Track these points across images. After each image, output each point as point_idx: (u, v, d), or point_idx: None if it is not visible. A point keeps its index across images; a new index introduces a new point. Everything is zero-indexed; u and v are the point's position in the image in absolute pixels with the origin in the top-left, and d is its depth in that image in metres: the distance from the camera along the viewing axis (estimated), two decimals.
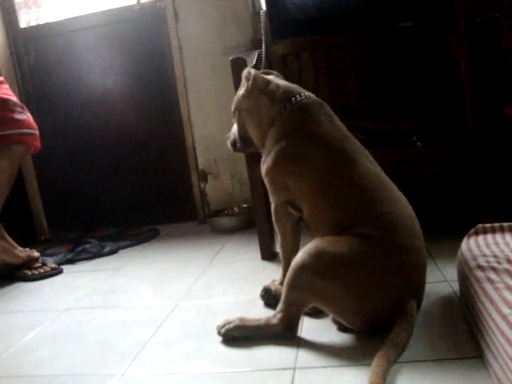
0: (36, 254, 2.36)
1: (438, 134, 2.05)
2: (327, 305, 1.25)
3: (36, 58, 3.05)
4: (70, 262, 2.45)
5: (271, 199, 1.51)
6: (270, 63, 2.41)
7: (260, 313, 1.50)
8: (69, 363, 1.38)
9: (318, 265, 1.20)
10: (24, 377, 1.34)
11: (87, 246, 2.56)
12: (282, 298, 1.29)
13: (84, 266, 2.40)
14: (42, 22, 3.05)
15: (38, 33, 3.02)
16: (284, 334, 1.30)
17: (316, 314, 1.40)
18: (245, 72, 1.53)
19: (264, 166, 1.50)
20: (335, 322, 1.32)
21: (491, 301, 1.01)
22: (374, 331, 1.19)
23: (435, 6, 2.25)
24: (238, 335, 1.34)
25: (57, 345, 1.51)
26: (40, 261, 2.34)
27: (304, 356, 1.23)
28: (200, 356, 1.31)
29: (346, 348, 1.22)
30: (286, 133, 1.43)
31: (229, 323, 1.36)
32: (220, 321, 1.39)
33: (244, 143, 1.63)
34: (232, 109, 1.61)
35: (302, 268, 1.22)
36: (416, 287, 1.22)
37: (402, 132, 2.16)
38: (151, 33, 2.85)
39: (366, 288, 1.18)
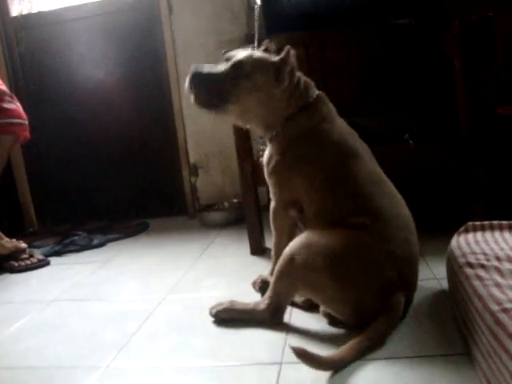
0: (23, 245, 2.33)
1: (430, 132, 2.05)
2: (315, 293, 1.26)
3: (27, 47, 3.01)
4: (58, 254, 2.42)
5: (272, 198, 1.48)
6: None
7: None
8: (54, 354, 1.36)
9: (306, 255, 1.22)
10: (9, 368, 1.32)
11: (75, 238, 2.54)
12: (271, 285, 1.32)
13: (71, 258, 2.37)
14: (34, 10, 3.01)
15: (30, 22, 2.99)
16: (270, 319, 1.32)
17: (309, 307, 1.40)
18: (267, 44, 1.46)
19: (270, 164, 1.43)
20: (325, 315, 1.32)
21: (480, 297, 1.00)
22: (362, 324, 1.18)
23: (430, 3, 2.25)
24: (227, 317, 1.39)
25: (43, 336, 1.49)
26: (27, 252, 2.31)
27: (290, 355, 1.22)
28: (186, 349, 1.29)
29: (334, 343, 1.21)
30: (303, 134, 1.35)
31: (220, 305, 1.41)
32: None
33: (222, 102, 1.36)
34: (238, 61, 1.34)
35: (292, 257, 1.24)
36: (405, 280, 1.22)
37: (394, 129, 2.16)
38: (145, 25, 2.82)
39: (353, 277, 1.19)
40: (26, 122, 2.30)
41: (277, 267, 1.29)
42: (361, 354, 1.10)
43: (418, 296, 1.36)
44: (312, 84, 1.43)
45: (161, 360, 1.26)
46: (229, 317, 1.38)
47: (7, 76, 2.97)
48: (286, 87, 1.35)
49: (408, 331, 1.22)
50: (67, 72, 2.96)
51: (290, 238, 1.44)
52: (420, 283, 1.42)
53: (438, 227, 1.90)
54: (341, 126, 1.40)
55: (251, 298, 1.55)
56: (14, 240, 2.34)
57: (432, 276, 1.55)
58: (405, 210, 1.32)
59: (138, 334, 1.42)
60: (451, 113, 1.90)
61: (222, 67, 1.37)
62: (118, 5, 2.83)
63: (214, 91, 1.34)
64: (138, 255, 2.28)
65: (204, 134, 2.76)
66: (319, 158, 1.33)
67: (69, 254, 2.42)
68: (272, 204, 1.50)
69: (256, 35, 2.39)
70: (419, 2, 2.30)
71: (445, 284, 1.42)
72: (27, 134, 2.31)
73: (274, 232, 1.54)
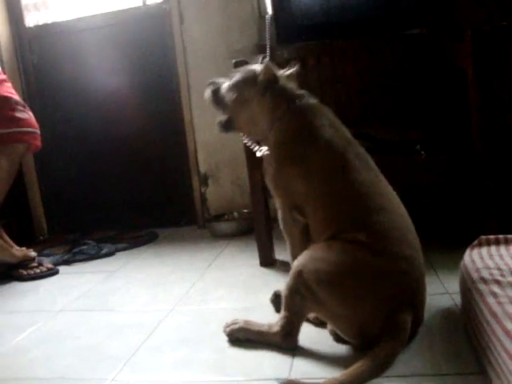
0: (32, 253, 2.33)
1: (442, 144, 2.02)
2: (322, 311, 1.24)
3: (41, 57, 3.04)
4: (67, 263, 2.42)
5: (277, 205, 1.47)
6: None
7: (254, 320, 1.45)
8: (61, 366, 1.35)
9: (312, 271, 1.21)
10: (16, 379, 1.32)
11: (84, 247, 2.54)
12: (283, 305, 1.28)
13: (80, 267, 2.37)
14: (48, 21, 3.03)
15: (44, 32, 3.01)
16: (284, 343, 1.28)
17: (320, 323, 1.37)
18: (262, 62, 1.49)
19: (267, 172, 1.46)
20: (332, 332, 1.30)
21: (494, 315, 0.98)
22: (368, 345, 1.15)
23: (442, 13, 2.23)
24: (241, 337, 1.35)
25: (49, 347, 1.48)
26: (36, 261, 2.31)
27: (299, 366, 1.19)
28: (192, 363, 1.28)
29: (341, 360, 1.19)
30: (288, 136, 1.39)
31: (234, 324, 1.38)
32: (220, 325, 1.40)
33: (229, 125, 1.53)
34: (234, 93, 1.48)
35: (299, 274, 1.22)
36: (410, 298, 1.19)
37: (406, 140, 2.13)
38: (156, 35, 2.83)
39: (357, 295, 1.17)
40: (38, 131, 2.31)
41: (286, 285, 1.26)
42: (365, 379, 1.05)
43: (429, 311, 1.33)
44: (302, 94, 1.44)
45: (167, 374, 1.24)
46: (243, 337, 1.35)
47: (21, 85, 3.00)
48: (265, 94, 1.41)
49: (420, 348, 1.19)
50: (79, 82, 2.97)
51: (303, 243, 1.43)
52: (432, 298, 1.40)
53: (450, 240, 1.87)
54: (333, 133, 1.36)
55: (260, 311, 1.55)
56: (24, 248, 2.35)
57: (444, 291, 1.51)
58: (407, 225, 1.28)
59: (144, 346, 1.41)
60: (464, 124, 1.87)
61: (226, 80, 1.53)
62: (130, 15, 2.85)
63: (217, 97, 1.52)
64: (146, 265, 2.27)
65: (214, 143, 2.75)
66: (301, 161, 1.34)
67: (78, 263, 2.42)
68: (279, 213, 1.48)
69: (268, 45, 2.39)
70: (431, 12, 2.28)
71: (458, 299, 1.39)
72: (38, 143, 2.32)
73: (286, 238, 1.50)
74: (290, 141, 1.39)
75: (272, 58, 2.38)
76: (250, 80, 1.45)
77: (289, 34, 2.54)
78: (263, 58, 2.31)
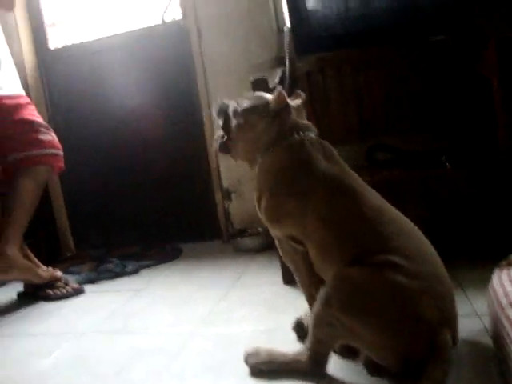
0: (59, 273, 2.35)
1: (468, 155, 1.96)
2: (357, 340, 1.18)
3: (64, 78, 3.09)
4: (92, 281, 2.43)
5: (272, 234, 1.45)
6: (294, 80, 2.37)
7: (280, 344, 1.43)
8: None
9: (343, 298, 1.15)
10: None
11: (109, 265, 2.55)
12: (309, 335, 1.23)
13: (106, 285, 2.38)
14: (68, 43, 3.08)
15: (66, 54, 3.06)
16: (312, 372, 1.24)
17: (348, 353, 1.32)
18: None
19: (261, 204, 1.41)
20: (366, 364, 1.24)
21: None
22: (409, 371, 1.10)
23: (466, 20, 2.17)
24: (265, 369, 1.30)
25: (72, 372, 1.49)
26: (63, 280, 2.33)
27: None
28: None
29: None
30: (283, 167, 1.36)
31: (257, 354, 1.33)
32: (247, 348, 1.36)
33: (226, 147, 1.50)
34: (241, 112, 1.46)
35: (328, 303, 1.17)
36: (447, 317, 1.14)
37: (429, 151, 2.08)
38: (175, 51, 2.84)
39: (396, 321, 1.11)
40: (61, 153, 2.34)
41: (313, 315, 1.22)
42: None
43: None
44: (308, 126, 1.42)
45: None
46: (267, 369, 1.30)
47: (46, 107, 3.05)
48: (273, 123, 1.39)
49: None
50: (101, 101, 3.00)
51: (307, 267, 1.41)
52: (460, 319, 1.34)
53: (479, 257, 1.80)
54: (330, 165, 1.34)
55: (283, 333, 1.52)
56: (50, 268, 2.37)
57: (473, 312, 1.46)
58: (428, 246, 1.24)
59: (167, 372, 1.40)
60: (490, 134, 1.82)
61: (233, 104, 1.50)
62: (148, 33, 2.87)
63: (222, 121, 1.49)
64: (170, 283, 2.27)
65: None
66: (300, 199, 1.31)
67: (103, 282, 2.43)
68: (276, 243, 1.47)
69: (287, 58, 2.38)
70: (454, 18, 2.22)
71: (487, 321, 1.34)
72: (62, 164, 2.35)
73: (289, 265, 1.48)
74: (285, 170, 1.36)
75: (292, 70, 2.37)
76: (261, 108, 1.42)
77: (307, 45, 2.51)
78: (283, 72, 2.30)
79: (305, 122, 1.44)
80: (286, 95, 1.40)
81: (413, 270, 1.14)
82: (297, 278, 1.49)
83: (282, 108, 1.39)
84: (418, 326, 1.10)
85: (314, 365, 1.23)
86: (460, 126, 2.12)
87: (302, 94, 1.51)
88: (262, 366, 1.30)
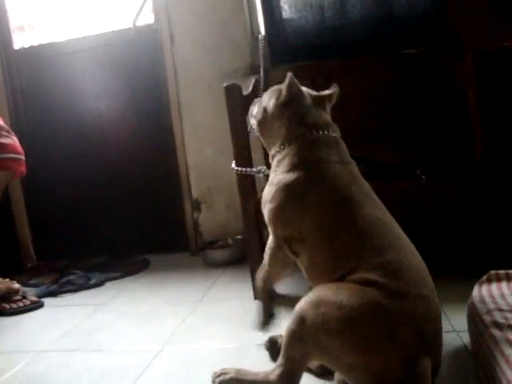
0: (16, 285, 2.22)
1: (444, 168, 1.94)
2: (331, 360, 1.10)
3: (29, 80, 2.97)
4: (53, 294, 2.30)
5: (270, 232, 1.37)
6: (267, 89, 2.33)
7: (249, 363, 1.36)
8: None
9: (319, 316, 1.07)
10: None
11: (72, 277, 2.43)
12: (282, 351, 1.15)
13: (67, 299, 2.26)
14: (35, 43, 2.97)
15: (32, 54, 2.94)
16: None
17: (323, 373, 1.26)
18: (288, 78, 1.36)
19: (266, 200, 1.35)
20: None
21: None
22: None
23: (440, 32, 2.17)
24: None
25: None
26: (20, 293, 2.20)
27: None
28: None
29: None
30: (295, 164, 1.29)
31: (224, 374, 1.25)
32: (211, 370, 1.27)
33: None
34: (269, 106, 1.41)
35: (303, 319, 1.09)
36: (429, 342, 1.06)
37: (405, 164, 2.05)
38: (146, 56, 2.76)
39: (370, 341, 1.03)
40: (23, 157, 2.23)
41: (286, 331, 1.13)
42: None
43: None
44: (329, 125, 1.34)
45: None
46: None
47: (8, 109, 2.92)
48: (284, 112, 1.34)
49: None
50: (68, 104, 2.90)
51: (281, 273, 1.37)
52: None
53: (455, 272, 1.77)
54: (340, 169, 1.27)
55: (254, 351, 1.45)
56: (8, 280, 2.24)
57: (451, 328, 1.42)
58: (420, 263, 1.17)
59: None
60: (466, 147, 1.79)
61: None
62: (119, 36, 2.78)
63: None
64: (136, 297, 2.17)
65: (207, 167, 2.67)
66: (303, 197, 1.25)
67: (65, 295, 2.31)
68: (269, 240, 1.38)
69: (261, 66, 2.33)
70: (428, 31, 2.22)
71: (465, 338, 1.29)
72: (23, 169, 2.24)
73: (267, 264, 1.37)
74: (296, 171, 1.28)
75: (265, 79, 2.32)
76: (275, 96, 1.37)
77: (283, 54, 2.47)
78: (256, 80, 2.25)
79: (326, 118, 1.36)
80: (297, 82, 1.33)
81: (396, 289, 1.06)
82: (264, 274, 1.39)
83: (294, 95, 1.32)
84: (395, 349, 1.02)
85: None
86: (437, 138, 2.10)
87: (336, 87, 1.42)
88: None
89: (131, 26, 2.73)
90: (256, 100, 1.52)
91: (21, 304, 2.14)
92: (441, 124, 2.11)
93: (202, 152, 2.67)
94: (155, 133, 2.80)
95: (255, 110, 1.48)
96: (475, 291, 1.23)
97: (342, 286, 1.09)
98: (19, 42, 3.00)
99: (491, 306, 1.10)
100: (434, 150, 2.13)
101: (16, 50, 2.98)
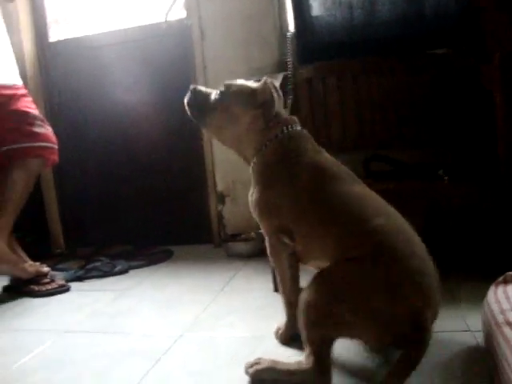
0: (45, 269, 2.31)
1: (467, 168, 1.94)
2: (347, 332, 1.17)
3: (63, 71, 3.05)
4: (80, 279, 2.39)
5: (263, 231, 1.45)
6: (295, 86, 2.35)
7: (267, 352, 1.41)
8: None
9: (323, 296, 1.16)
10: None
11: (98, 263, 2.51)
12: (306, 342, 1.20)
13: (93, 284, 2.34)
14: (69, 36, 3.05)
15: (67, 47, 3.03)
16: (318, 380, 1.18)
17: None
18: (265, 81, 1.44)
19: (253, 198, 1.44)
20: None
21: None
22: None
23: (468, 34, 2.16)
24: (267, 378, 1.24)
25: (52, 371, 1.44)
26: (49, 276, 2.29)
27: None
28: None
29: None
30: (276, 159, 1.39)
31: (259, 363, 1.27)
32: (229, 356, 1.36)
33: (202, 117, 1.52)
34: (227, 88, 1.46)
35: (309, 305, 1.17)
36: (428, 295, 1.13)
37: (428, 164, 2.06)
38: (177, 51, 2.81)
39: (376, 304, 1.10)
40: (55, 146, 2.30)
41: (300, 321, 1.20)
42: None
43: (450, 350, 1.27)
44: (294, 120, 1.46)
45: None
46: (270, 378, 1.24)
47: (43, 100, 3.01)
48: (258, 116, 1.41)
49: None
50: (100, 97, 2.97)
51: (293, 270, 1.42)
52: (452, 335, 1.33)
53: (472, 272, 1.78)
54: (319, 156, 1.40)
55: (272, 340, 1.48)
56: (37, 263, 2.33)
57: (466, 328, 1.43)
58: (409, 228, 1.25)
59: (148, 376, 1.35)
60: (490, 148, 1.79)
61: (213, 91, 1.50)
62: (151, 31, 2.84)
63: (198, 108, 1.52)
64: (160, 284, 2.22)
65: (232, 162, 2.69)
66: (289, 180, 1.34)
67: (90, 280, 2.39)
68: (266, 240, 1.45)
69: (290, 63, 2.36)
70: (457, 31, 2.21)
71: (480, 338, 1.30)
72: (55, 157, 2.31)
73: (275, 266, 1.47)
74: (277, 163, 1.38)
75: (293, 76, 2.35)
76: (247, 97, 1.42)
77: (310, 52, 2.49)
78: (284, 77, 2.28)
79: (286, 115, 1.47)
80: (271, 86, 1.42)
81: (401, 249, 1.15)
82: (280, 283, 1.48)
83: (268, 100, 1.40)
84: (397, 305, 1.09)
85: (318, 372, 1.17)
86: (461, 138, 2.09)
87: (267, 80, 1.45)
88: (264, 374, 1.25)
89: (163, 20, 2.79)
90: (192, 92, 1.54)
91: (49, 287, 2.22)
92: (465, 125, 2.10)
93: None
94: (183, 126, 2.85)
95: (214, 104, 1.47)
96: (491, 291, 1.24)
97: (338, 266, 1.19)
98: (54, 35, 3.09)
99: (505, 305, 1.11)
100: (458, 151, 2.12)
101: (51, 43, 3.07)
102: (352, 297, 1.12)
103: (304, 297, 1.19)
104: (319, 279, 1.20)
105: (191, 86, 1.56)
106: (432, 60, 2.24)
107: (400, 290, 1.10)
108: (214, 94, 1.48)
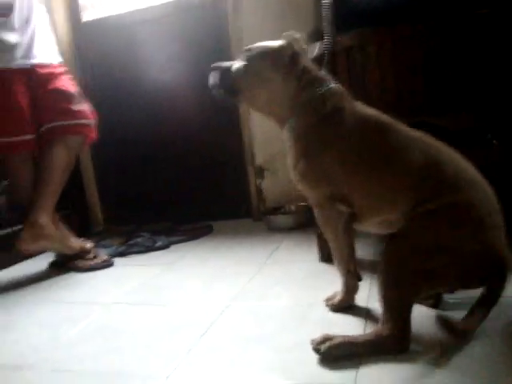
0: (89, 245, 2.34)
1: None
2: (437, 283, 1.17)
3: (97, 50, 3.05)
4: (122, 254, 2.41)
5: (313, 202, 1.38)
6: (333, 56, 2.28)
7: (316, 319, 1.40)
8: (112, 361, 1.32)
9: (409, 253, 1.15)
10: (68, 371, 1.30)
11: (139, 239, 2.52)
12: (385, 307, 1.16)
13: (135, 259, 2.36)
14: (103, 16, 3.04)
15: (100, 26, 3.02)
16: (397, 346, 1.14)
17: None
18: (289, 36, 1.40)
19: (297, 169, 1.35)
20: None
21: None
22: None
23: None
24: (343, 354, 1.15)
25: (102, 341, 1.45)
26: (92, 252, 2.31)
27: (364, 374, 1.09)
28: (250, 364, 1.20)
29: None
30: (318, 121, 1.31)
31: (330, 339, 1.17)
32: (279, 324, 1.34)
33: (232, 93, 1.41)
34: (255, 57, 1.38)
35: (393, 264, 1.16)
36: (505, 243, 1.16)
37: (475, 128, 1.97)
38: (211, 25, 2.77)
39: (469, 248, 1.12)
40: (93, 123, 2.30)
41: (379, 286, 1.17)
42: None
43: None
44: (328, 78, 1.38)
45: (222, 374, 1.18)
46: (346, 353, 1.15)
47: (78, 79, 3.01)
48: (290, 74, 1.32)
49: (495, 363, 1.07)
50: (134, 74, 2.97)
51: (349, 239, 1.37)
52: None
53: None
54: (365, 112, 1.32)
55: (321, 309, 1.46)
56: (81, 239, 2.36)
57: None
58: (471, 167, 1.25)
59: (199, 344, 1.35)
60: None
61: (235, 62, 1.41)
62: (184, 5, 2.80)
63: (226, 86, 1.40)
64: (202, 258, 2.22)
65: (271, 134, 2.65)
66: (344, 141, 1.27)
67: (133, 256, 2.41)
68: (316, 210, 1.38)
69: (327, 31, 2.28)
70: None
71: None
72: (94, 135, 2.31)
73: (328, 238, 1.41)
74: (319, 124, 1.30)
75: (331, 45, 2.28)
76: (273, 55, 1.35)
77: (348, 20, 2.41)
78: (323, 46, 2.21)
79: (324, 73, 1.40)
80: (293, 40, 1.38)
81: (462, 199, 1.15)
82: (334, 253, 1.43)
83: (295, 53, 1.34)
84: (482, 245, 1.13)
85: (398, 338, 1.14)
86: (503, 102, 2.00)
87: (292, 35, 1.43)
88: (337, 350, 1.15)
89: None
90: (215, 71, 1.42)
91: (92, 263, 2.25)
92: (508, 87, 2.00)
93: (266, 120, 2.67)
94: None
95: (241, 75, 1.38)
96: None
97: (410, 223, 1.17)
98: (87, 15, 3.08)
99: None
100: (505, 115, 2.03)
101: (84, 23, 3.07)
102: (444, 248, 1.12)
103: (387, 257, 1.17)
104: (400, 238, 1.18)
105: (212, 65, 1.44)
106: (475, 22, 2.14)
107: (480, 228, 1.13)
108: (239, 63, 1.39)
